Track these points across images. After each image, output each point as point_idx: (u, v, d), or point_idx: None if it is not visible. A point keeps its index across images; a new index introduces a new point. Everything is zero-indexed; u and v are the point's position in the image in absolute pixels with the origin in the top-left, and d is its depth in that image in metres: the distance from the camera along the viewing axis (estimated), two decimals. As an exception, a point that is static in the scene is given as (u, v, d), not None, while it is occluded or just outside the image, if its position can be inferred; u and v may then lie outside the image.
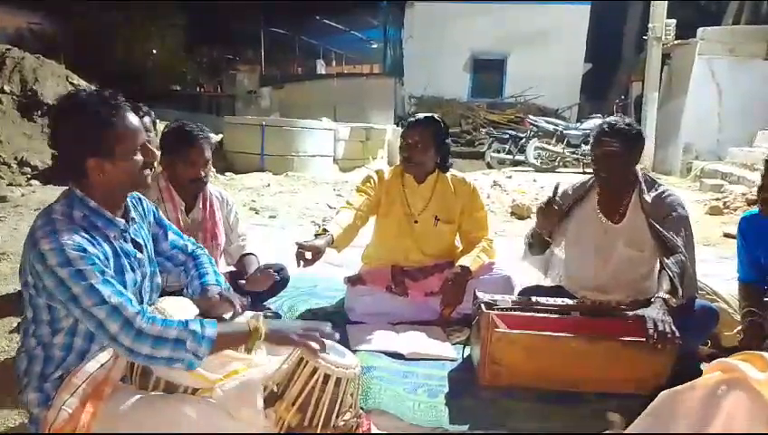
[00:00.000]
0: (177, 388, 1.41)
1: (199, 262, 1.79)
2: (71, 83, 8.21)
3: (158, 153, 2.18)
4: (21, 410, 1.91)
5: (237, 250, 2.62)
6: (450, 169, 2.81)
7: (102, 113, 1.39)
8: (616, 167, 2.31)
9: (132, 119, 1.45)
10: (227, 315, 1.60)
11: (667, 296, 2.05)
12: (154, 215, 1.73)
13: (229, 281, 2.41)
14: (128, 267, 1.48)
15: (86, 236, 1.37)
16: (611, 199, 2.41)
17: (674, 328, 1.94)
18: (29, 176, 6.67)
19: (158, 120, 3.04)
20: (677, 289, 2.10)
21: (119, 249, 1.47)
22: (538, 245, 2.49)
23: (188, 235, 2.35)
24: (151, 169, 1.55)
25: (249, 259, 2.59)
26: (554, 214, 2.33)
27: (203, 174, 2.34)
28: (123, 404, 1.36)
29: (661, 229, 2.23)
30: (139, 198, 1.68)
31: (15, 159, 6.80)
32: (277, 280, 2.46)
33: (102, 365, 1.42)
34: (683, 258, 2.17)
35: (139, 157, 1.46)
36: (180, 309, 1.56)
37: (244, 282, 2.36)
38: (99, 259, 1.36)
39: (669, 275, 2.11)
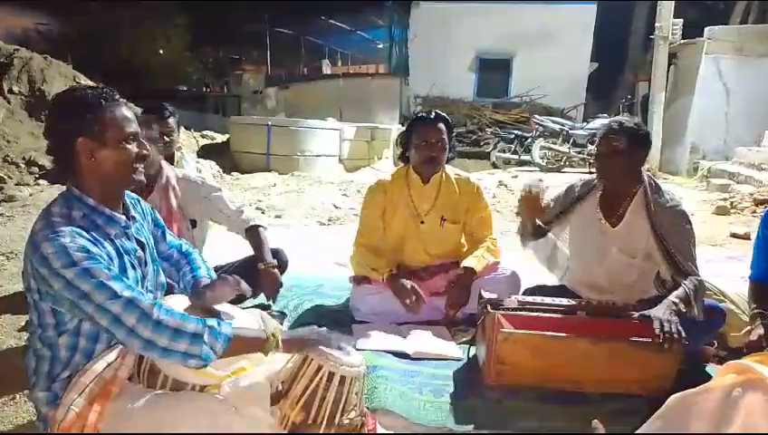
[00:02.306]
0: (184, 386, 1.42)
1: (191, 258, 1.81)
2: (78, 83, 8.24)
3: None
4: (30, 408, 1.92)
5: (240, 222, 2.54)
6: (451, 164, 2.83)
7: (93, 98, 1.41)
8: (618, 166, 2.27)
9: (124, 110, 1.46)
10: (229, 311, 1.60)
11: (677, 300, 2.05)
12: (152, 216, 1.74)
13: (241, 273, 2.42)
14: (129, 266, 1.48)
15: (87, 236, 1.37)
16: (612, 201, 2.39)
17: (680, 328, 1.93)
18: (37, 175, 6.70)
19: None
20: (692, 303, 2.09)
21: (120, 248, 1.47)
22: (528, 234, 2.50)
23: None
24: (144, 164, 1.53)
25: (261, 234, 2.50)
26: (534, 206, 2.34)
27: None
28: (131, 403, 1.37)
29: (669, 245, 2.21)
30: (137, 199, 1.69)
31: (23, 158, 6.84)
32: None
33: (110, 364, 1.42)
34: (699, 281, 2.16)
35: (132, 147, 1.46)
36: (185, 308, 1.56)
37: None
38: (103, 259, 1.36)
39: (686, 290, 2.10)
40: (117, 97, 1.46)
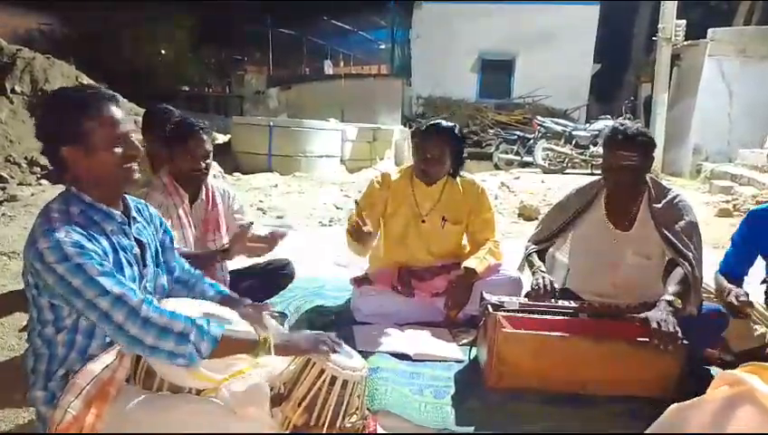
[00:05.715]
0: (181, 388, 1.41)
1: (198, 274, 1.81)
2: (80, 84, 8.26)
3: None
4: (30, 408, 1.92)
5: (234, 226, 2.59)
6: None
7: (76, 103, 1.39)
8: (633, 179, 2.28)
9: (112, 110, 1.42)
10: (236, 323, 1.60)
11: (671, 298, 2.05)
12: (160, 222, 1.73)
13: (234, 282, 2.43)
14: (125, 262, 1.48)
15: (83, 232, 1.37)
16: (620, 207, 2.38)
17: (677, 329, 1.93)
18: (39, 175, 6.71)
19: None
20: (688, 298, 2.11)
21: (116, 244, 1.47)
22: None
23: (192, 227, 2.38)
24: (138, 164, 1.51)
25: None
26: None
27: (202, 165, 2.36)
28: (128, 405, 1.36)
29: (671, 236, 2.22)
30: (145, 205, 1.69)
31: (25, 158, 6.85)
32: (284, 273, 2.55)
33: (107, 366, 1.42)
34: (693, 273, 2.16)
35: (118, 150, 1.43)
36: (186, 308, 1.56)
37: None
38: (97, 255, 1.36)
39: (679, 284, 2.12)
40: (106, 97, 1.42)
